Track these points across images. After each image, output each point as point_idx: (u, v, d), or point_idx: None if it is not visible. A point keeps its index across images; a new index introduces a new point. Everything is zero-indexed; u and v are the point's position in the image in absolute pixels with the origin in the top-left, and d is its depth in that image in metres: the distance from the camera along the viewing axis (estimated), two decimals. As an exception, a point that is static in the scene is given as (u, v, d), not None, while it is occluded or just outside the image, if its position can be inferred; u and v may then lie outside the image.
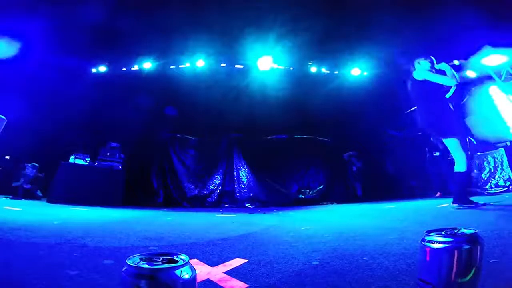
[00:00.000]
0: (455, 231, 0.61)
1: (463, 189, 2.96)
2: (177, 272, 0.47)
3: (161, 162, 6.74)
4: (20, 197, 5.47)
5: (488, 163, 6.00)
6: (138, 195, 6.27)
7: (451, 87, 2.93)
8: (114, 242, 1.67)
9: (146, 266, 0.48)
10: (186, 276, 0.48)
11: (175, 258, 0.51)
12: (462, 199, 2.88)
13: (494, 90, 6.64)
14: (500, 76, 6.51)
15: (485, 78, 6.68)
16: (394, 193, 6.74)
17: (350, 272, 1.02)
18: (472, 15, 4.79)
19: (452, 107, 3.04)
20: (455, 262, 0.57)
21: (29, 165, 5.93)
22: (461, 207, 2.84)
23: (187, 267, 0.49)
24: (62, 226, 1.80)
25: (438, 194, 6.16)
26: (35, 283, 0.93)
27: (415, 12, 5.29)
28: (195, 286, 0.50)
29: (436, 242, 0.59)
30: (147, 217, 3.61)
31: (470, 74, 6.84)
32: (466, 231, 0.61)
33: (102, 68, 7.44)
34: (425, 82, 2.98)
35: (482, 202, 2.87)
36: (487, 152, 6.09)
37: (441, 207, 3.66)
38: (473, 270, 0.58)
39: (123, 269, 0.49)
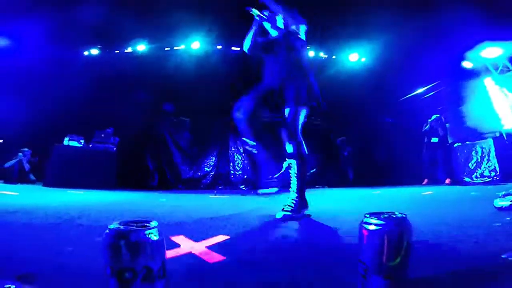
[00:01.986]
0: (391, 214, 0.68)
1: None
2: (146, 233, 0.60)
3: (156, 145, 6.79)
4: (13, 182, 5.48)
5: (476, 152, 6.13)
6: (133, 177, 6.37)
7: None
8: (107, 221, 1.77)
9: (122, 228, 0.61)
10: (154, 238, 0.61)
11: (146, 224, 0.63)
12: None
13: (489, 82, 6.70)
14: (496, 69, 6.54)
15: (481, 70, 6.71)
16: (383, 179, 6.92)
17: (320, 252, 1.14)
18: (471, 7, 4.76)
19: None
20: (384, 244, 0.63)
21: (23, 150, 5.91)
22: None
23: (155, 230, 0.62)
24: (59, 208, 1.90)
25: (425, 181, 6.34)
26: (35, 258, 1.04)
27: (417, 2, 5.22)
28: (162, 247, 0.62)
29: (372, 224, 0.65)
30: (141, 198, 3.73)
31: (467, 65, 6.86)
32: (398, 215, 0.67)
33: (94, 51, 7.30)
34: None
35: None
36: (476, 142, 6.22)
37: (424, 194, 3.84)
38: (402, 252, 0.64)
39: (105, 232, 0.62)
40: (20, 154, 5.82)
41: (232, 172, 6.80)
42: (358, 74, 7.61)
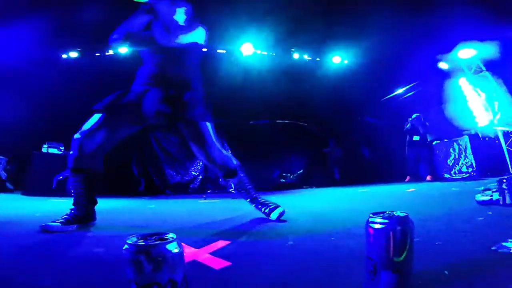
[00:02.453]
0: (393, 213, 0.73)
1: None
2: (167, 247, 0.61)
3: (141, 149, 6.62)
4: None
5: (454, 149, 6.46)
6: (118, 184, 6.17)
7: None
8: (100, 231, 1.72)
9: (142, 243, 0.61)
10: (175, 251, 0.62)
11: (165, 236, 0.65)
12: None
13: (463, 82, 7.09)
14: (470, 69, 6.93)
15: (457, 70, 7.09)
16: (369, 177, 7.13)
17: (321, 251, 1.17)
18: (450, 8, 5.00)
19: None
20: (391, 241, 0.69)
21: None
22: None
23: (175, 243, 0.63)
24: (44, 218, 1.81)
25: (407, 178, 6.59)
26: (28, 273, 0.98)
27: (396, 4, 5.42)
28: (183, 259, 0.64)
29: (377, 223, 0.70)
30: (129, 205, 3.63)
31: (443, 66, 7.24)
32: (401, 214, 0.72)
33: (73, 54, 7.03)
34: None
35: None
36: (453, 139, 6.55)
37: (408, 191, 4.00)
38: (407, 247, 0.70)
39: (124, 248, 0.61)
40: None
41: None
42: (341, 76, 7.81)
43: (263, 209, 1.96)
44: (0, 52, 5.79)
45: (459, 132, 6.74)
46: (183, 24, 1.91)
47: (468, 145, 6.17)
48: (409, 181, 6.38)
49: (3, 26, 5.30)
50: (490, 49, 5.84)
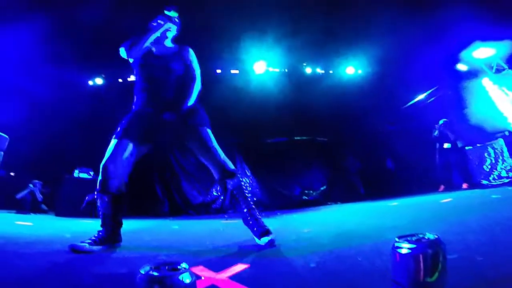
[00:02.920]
0: (421, 236, 0.70)
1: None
2: (180, 277, 0.62)
3: (163, 171, 6.82)
4: (26, 212, 5.57)
5: (489, 154, 6.02)
6: (143, 204, 6.35)
7: None
8: (125, 252, 1.76)
9: (156, 273, 0.62)
10: (187, 281, 0.63)
11: (178, 267, 0.66)
12: None
13: (487, 82, 6.71)
14: (491, 68, 6.58)
15: (477, 71, 6.76)
16: (397, 189, 6.76)
17: (343, 272, 1.10)
18: (461, 9, 4.86)
19: None
20: (420, 265, 0.66)
21: (35, 182, 6.05)
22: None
23: (187, 273, 0.64)
24: (74, 238, 1.90)
25: (441, 188, 6.18)
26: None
27: (405, 8, 5.35)
28: None
29: (404, 248, 0.68)
30: (154, 226, 3.70)
31: (462, 67, 6.93)
32: (431, 236, 0.70)
33: (99, 80, 7.54)
34: None
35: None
36: (487, 143, 6.12)
37: (443, 202, 3.72)
38: (437, 271, 0.67)
39: (138, 276, 0.63)
40: (31, 185, 5.96)
41: (241, 195, 6.73)
42: (356, 87, 7.68)
43: (255, 228, 1.82)
44: (37, 82, 6.33)
45: (491, 136, 6.29)
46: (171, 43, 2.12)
47: (505, 148, 5.72)
48: (443, 191, 5.97)
49: (40, 56, 5.83)
50: (507, 47, 5.54)
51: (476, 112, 6.54)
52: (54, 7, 4.84)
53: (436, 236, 0.70)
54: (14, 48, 5.44)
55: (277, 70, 7.64)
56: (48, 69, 6.29)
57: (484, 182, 5.88)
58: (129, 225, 3.85)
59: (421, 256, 0.66)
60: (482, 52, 6.36)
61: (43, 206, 6.01)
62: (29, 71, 6.20)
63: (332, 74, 7.87)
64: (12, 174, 6.74)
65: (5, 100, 5.67)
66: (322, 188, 7.11)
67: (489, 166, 5.95)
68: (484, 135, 6.34)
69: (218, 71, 7.58)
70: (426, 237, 0.70)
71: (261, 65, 7.35)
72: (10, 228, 3.09)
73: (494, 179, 5.79)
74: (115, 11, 5.14)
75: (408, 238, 0.69)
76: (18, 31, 5.00)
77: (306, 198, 6.90)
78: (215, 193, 6.79)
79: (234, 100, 7.13)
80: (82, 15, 5.01)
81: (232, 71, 7.53)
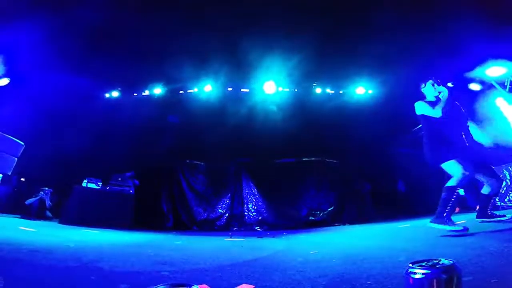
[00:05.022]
0: (436, 261, 0.69)
1: (483, 205, 3.05)
2: None
3: (170, 187, 6.87)
4: (30, 217, 5.64)
5: (504, 176, 5.85)
6: (148, 218, 6.35)
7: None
8: (128, 266, 1.74)
9: None
10: None
11: None
12: (484, 214, 2.97)
13: (501, 102, 6.58)
14: (504, 87, 6.49)
15: (490, 90, 6.67)
16: (408, 211, 6.56)
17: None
18: (473, 28, 4.87)
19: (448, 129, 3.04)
20: None
21: (45, 189, 6.17)
22: (485, 221, 2.94)
23: None
24: (77, 249, 1.88)
25: (457, 209, 5.96)
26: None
27: (416, 27, 5.40)
28: None
29: (418, 274, 0.67)
30: (157, 240, 3.65)
31: (475, 87, 6.85)
32: (446, 262, 0.69)
33: (115, 94, 7.79)
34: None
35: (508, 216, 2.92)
36: (502, 165, 5.95)
37: (459, 224, 3.55)
38: None
39: None
40: (41, 192, 6.05)
41: (246, 213, 6.66)
42: (367, 108, 7.67)
43: None
44: (56, 92, 6.59)
45: (507, 157, 6.10)
46: None
47: (520, 170, 5.54)
48: (458, 212, 5.76)
49: (58, 68, 6.09)
50: None
51: (490, 133, 6.39)
52: (76, 18, 5.07)
53: (452, 262, 0.68)
54: (32, 57, 5.65)
55: (287, 89, 7.75)
56: (66, 80, 6.56)
57: (500, 203, 5.68)
58: (131, 238, 3.82)
59: (435, 281, 0.65)
60: (495, 71, 6.30)
61: (48, 213, 6.08)
62: (47, 82, 6.48)
63: (342, 94, 7.92)
64: (22, 179, 6.90)
65: (21, 109, 5.86)
66: (329, 209, 6.95)
67: (505, 188, 5.76)
68: (499, 156, 6.16)
69: (229, 89, 7.73)
70: (441, 263, 0.68)
71: (271, 85, 7.49)
72: (14, 233, 3.10)
73: (509, 200, 5.61)
74: (134, 28, 5.43)
75: (423, 264, 0.68)
76: (37, 40, 5.19)
77: (313, 218, 6.74)
78: (220, 210, 6.73)
79: (243, 119, 7.22)
80: (104, 29, 5.27)
81: (243, 90, 7.67)
